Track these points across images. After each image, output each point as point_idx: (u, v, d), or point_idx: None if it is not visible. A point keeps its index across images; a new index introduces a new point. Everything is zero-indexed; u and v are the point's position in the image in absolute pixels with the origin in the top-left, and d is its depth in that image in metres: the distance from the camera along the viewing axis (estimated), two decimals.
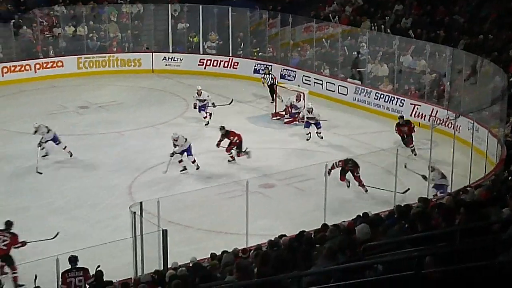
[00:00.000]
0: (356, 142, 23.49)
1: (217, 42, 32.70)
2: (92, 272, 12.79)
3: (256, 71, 30.62)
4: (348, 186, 19.37)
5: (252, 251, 13.02)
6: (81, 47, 32.48)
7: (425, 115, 24.94)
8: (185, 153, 20.77)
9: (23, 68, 31.10)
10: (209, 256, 13.42)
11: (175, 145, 20.70)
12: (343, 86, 28.05)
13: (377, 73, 27.79)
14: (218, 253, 13.27)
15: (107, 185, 19.94)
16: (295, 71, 29.68)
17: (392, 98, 26.33)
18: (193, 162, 20.85)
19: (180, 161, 20.75)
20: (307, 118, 23.55)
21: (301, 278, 8.31)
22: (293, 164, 21.01)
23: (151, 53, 32.58)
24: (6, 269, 14.69)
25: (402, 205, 13.20)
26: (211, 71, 31.80)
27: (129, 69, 32.27)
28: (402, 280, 7.53)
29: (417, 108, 25.39)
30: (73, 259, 12.90)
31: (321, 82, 28.75)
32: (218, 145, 21.66)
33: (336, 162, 19.04)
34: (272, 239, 13.05)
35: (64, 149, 21.67)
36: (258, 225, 16.44)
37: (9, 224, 14.99)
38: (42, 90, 29.68)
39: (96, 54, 32.40)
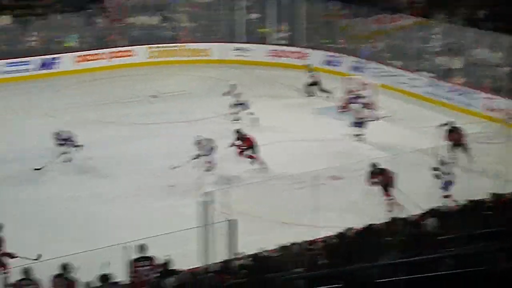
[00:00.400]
0: (425, 135, 23.06)
1: (287, 32, 32.62)
2: (160, 260, 12.86)
3: (326, 62, 30.45)
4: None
5: (320, 243, 12.95)
6: (153, 36, 32.79)
7: (499, 110, 24.42)
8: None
9: (96, 57, 31.60)
10: (277, 247, 13.38)
11: (199, 148, 20.11)
12: (415, 79, 27.67)
13: (450, 65, 27.33)
14: (286, 244, 13.23)
15: (177, 174, 20.02)
16: (366, 63, 29.40)
17: (465, 92, 25.85)
18: (209, 162, 20.22)
19: (208, 162, 20.21)
20: (356, 118, 23.02)
21: (370, 270, 8.22)
22: (357, 157, 20.83)
23: (221, 43, 32.67)
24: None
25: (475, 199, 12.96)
26: (281, 62, 31.71)
27: (199, 59, 32.45)
28: (473, 275, 7.39)
29: (491, 102, 24.88)
30: (142, 248, 12.96)
31: (393, 75, 28.41)
32: (234, 145, 20.80)
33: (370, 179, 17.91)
34: (341, 231, 12.96)
35: (63, 154, 20.73)
36: (326, 217, 16.32)
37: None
38: (114, 78, 30.13)
39: (167, 43, 32.67)
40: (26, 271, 12.38)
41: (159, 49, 32.38)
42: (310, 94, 27.45)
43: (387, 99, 25.90)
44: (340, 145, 22.50)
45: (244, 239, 14.19)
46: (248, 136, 20.77)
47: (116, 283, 12.20)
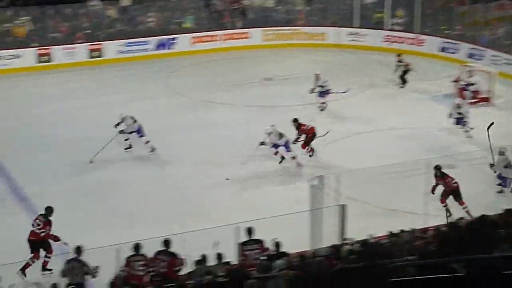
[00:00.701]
0: None
1: (404, 18, 32.18)
2: (269, 243, 12.91)
3: (442, 49, 29.92)
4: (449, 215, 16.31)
5: (430, 232, 12.79)
6: (268, 19, 32.99)
7: None
8: (282, 148, 19.73)
9: (211, 39, 32.06)
10: (387, 234, 13.29)
11: (269, 139, 19.68)
12: None
13: None
14: (396, 231, 13.12)
15: (287, 158, 20.10)
16: (484, 51, 28.67)
17: None
18: (293, 158, 19.73)
19: (276, 153, 19.80)
20: (457, 113, 21.80)
21: (482, 262, 8.07)
22: (470, 146, 20.42)
23: (337, 28, 32.54)
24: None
25: None
26: (396, 48, 31.25)
27: (314, 42, 32.45)
28: None
29: None
30: (250, 231, 13.01)
31: None
32: (295, 141, 20.15)
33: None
34: (452, 221, 12.75)
35: (146, 143, 20.49)
36: (436, 206, 16.13)
37: (50, 210, 14.66)
38: (228, 60, 30.54)
39: (282, 26, 32.80)
40: (136, 247, 12.66)
41: (274, 32, 32.57)
42: (403, 84, 26.74)
43: (505, 88, 25.24)
44: (442, 137, 21.93)
45: (353, 224, 14.21)
46: (305, 127, 20.29)
47: (227, 262, 12.36)
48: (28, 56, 29.50)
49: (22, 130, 22.49)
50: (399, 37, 31.68)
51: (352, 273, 10.29)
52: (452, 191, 16.52)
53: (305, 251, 13.18)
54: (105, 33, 31.30)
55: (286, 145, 19.72)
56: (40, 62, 29.63)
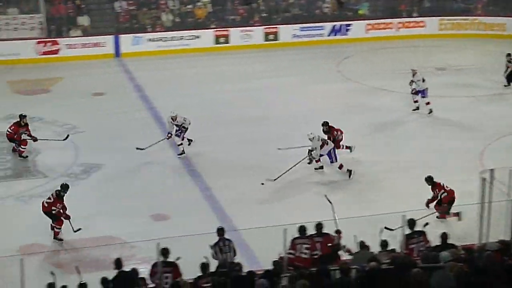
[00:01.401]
0: None
1: None
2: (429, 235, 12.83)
3: None
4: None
5: None
6: (445, 8, 32.47)
7: None
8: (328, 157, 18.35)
9: (385, 26, 31.98)
10: None
11: (312, 148, 18.16)
12: None
13: None
14: None
15: (458, 148, 19.83)
16: None
17: None
18: (340, 167, 18.31)
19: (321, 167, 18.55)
20: None
21: None
22: None
23: None
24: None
25: None
26: None
27: (493, 33, 31.69)
28: None
29: None
30: (413, 223, 12.84)
31: None
32: (337, 146, 18.73)
33: None
34: None
35: (179, 145, 19.52)
36: None
37: (64, 187, 15.29)
38: (402, 49, 30.37)
39: (459, 16, 32.21)
40: (302, 229, 12.75)
41: (451, 21, 32.03)
42: (505, 84, 25.11)
43: None
44: None
45: None
46: (334, 129, 18.99)
47: (392, 250, 12.40)
48: (206, 37, 30.57)
49: (195, 108, 22.92)
50: None
51: None
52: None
53: (473, 244, 13.04)
54: (281, 17, 31.84)
55: (330, 154, 18.34)
56: (218, 43, 30.62)
